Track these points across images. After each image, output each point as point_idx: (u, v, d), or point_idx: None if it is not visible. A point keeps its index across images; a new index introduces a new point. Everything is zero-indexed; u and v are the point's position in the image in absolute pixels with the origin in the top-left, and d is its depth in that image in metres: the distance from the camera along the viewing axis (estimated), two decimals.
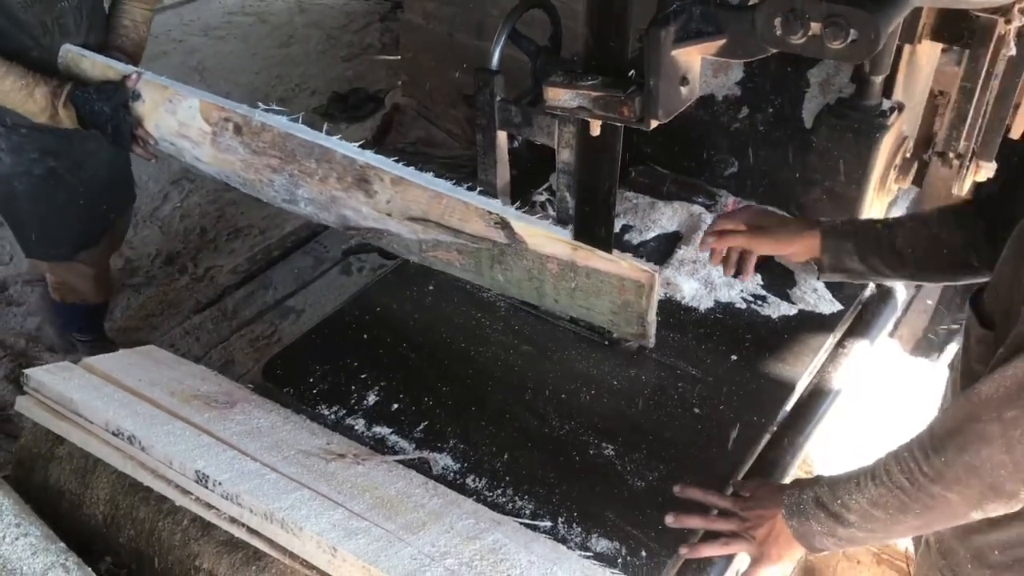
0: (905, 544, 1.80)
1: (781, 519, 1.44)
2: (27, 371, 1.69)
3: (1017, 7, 1.67)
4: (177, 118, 1.98)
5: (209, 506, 1.45)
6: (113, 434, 1.56)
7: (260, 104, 1.92)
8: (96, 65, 2.16)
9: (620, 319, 1.66)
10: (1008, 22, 1.73)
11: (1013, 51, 1.80)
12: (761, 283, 2.10)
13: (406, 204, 1.73)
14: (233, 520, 1.43)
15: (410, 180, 1.71)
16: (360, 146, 1.90)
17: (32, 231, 2.81)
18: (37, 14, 2.33)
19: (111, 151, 2.66)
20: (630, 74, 1.48)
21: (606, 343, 1.93)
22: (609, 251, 1.79)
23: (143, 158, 2.26)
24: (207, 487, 1.45)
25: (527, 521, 1.53)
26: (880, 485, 1.32)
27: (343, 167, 1.75)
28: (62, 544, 1.41)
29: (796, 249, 1.89)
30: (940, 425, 1.28)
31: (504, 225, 1.64)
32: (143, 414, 1.60)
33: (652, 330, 1.67)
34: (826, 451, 1.84)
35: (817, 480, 1.45)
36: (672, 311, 2.03)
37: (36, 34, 2.34)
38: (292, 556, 1.38)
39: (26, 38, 2.33)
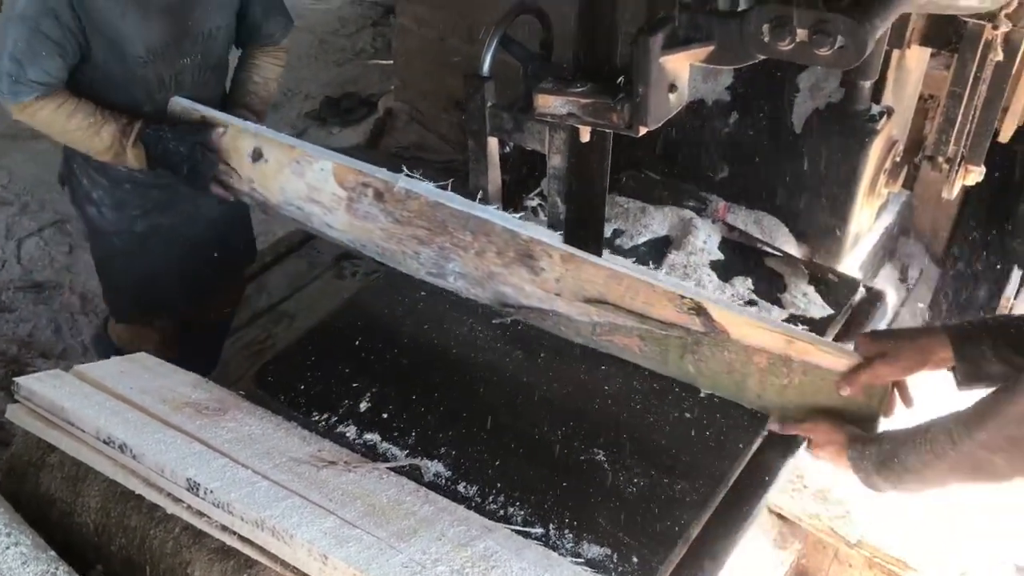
0: (898, 548, 1.81)
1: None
2: (18, 379, 1.68)
3: (1004, 13, 1.68)
4: (306, 181, 1.89)
5: (200, 514, 1.45)
6: (104, 442, 1.55)
7: (404, 168, 1.83)
8: (208, 117, 2.10)
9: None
10: (995, 28, 1.74)
11: (1000, 56, 1.81)
12: (751, 288, 2.11)
13: (579, 284, 1.61)
14: (224, 528, 1.43)
15: (584, 258, 1.58)
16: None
17: (126, 293, 2.63)
18: (156, 70, 2.23)
19: (225, 206, 2.45)
20: (619, 81, 1.49)
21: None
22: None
23: (222, 198, 2.21)
24: (198, 495, 1.44)
25: (518, 528, 1.53)
26: (933, 448, 1.41)
27: (504, 241, 1.64)
28: (53, 553, 1.41)
29: (929, 367, 1.66)
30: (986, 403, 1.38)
31: (700, 311, 1.51)
32: (134, 422, 1.60)
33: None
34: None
35: (880, 439, 1.52)
36: None
37: (151, 89, 2.25)
38: (283, 564, 1.38)
39: (140, 93, 2.24)
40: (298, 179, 1.88)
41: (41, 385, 1.67)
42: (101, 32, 2.11)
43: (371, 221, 1.80)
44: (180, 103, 2.19)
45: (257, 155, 1.96)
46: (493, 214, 1.66)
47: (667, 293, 1.51)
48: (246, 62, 2.53)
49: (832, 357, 1.44)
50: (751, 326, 1.47)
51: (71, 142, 2.23)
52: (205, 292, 2.71)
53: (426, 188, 1.71)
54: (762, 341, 1.47)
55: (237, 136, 2.05)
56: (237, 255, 2.80)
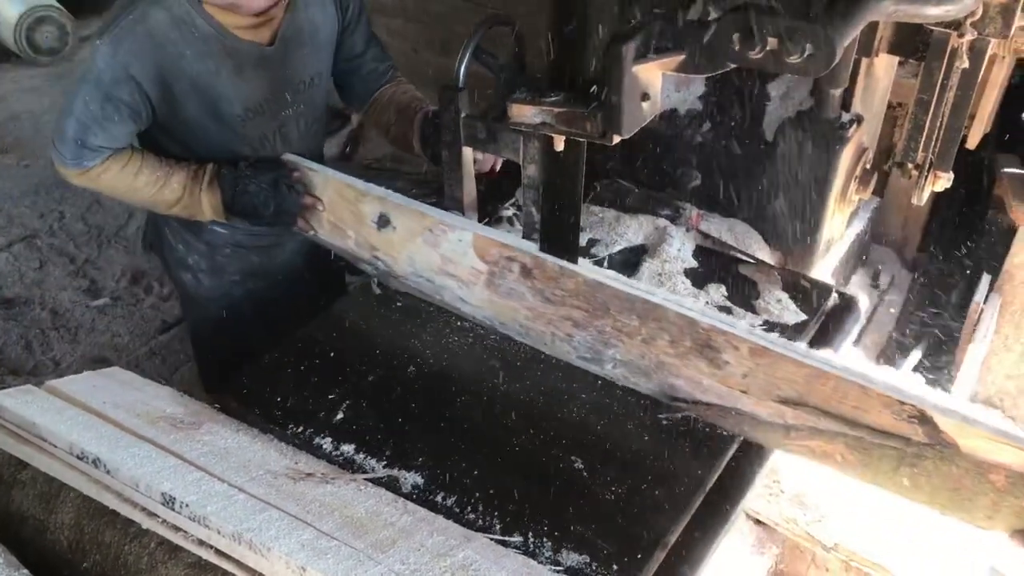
0: (875, 552, 1.82)
1: None
2: None
3: (969, 22, 1.71)
4: (440, 252, 1.78)
5: (176, 528, 1.44)
6: (78, 457, 1.54)
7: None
8: (323, 177, 2.00)
9: None
10: (961, 36, 1.76)
11: (966, 64, 1.83)
12: (725, 294, 2.12)
13: (772, 382, 1.43)
14: (201, 542, 1.42)
15: (780, 352, 1.40)
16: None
17: (218, 360, 2.49)
18: (258, 126, 2.12)
19: (319, 263, 2.37)
20: (592, 90, 1.50)
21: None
22: (575, 263, 1.80)
23: (303, 231, 2.13)
24: (174, 509, 1.43)
25: (497, 537, 1.53)
26: None
27: (679, 328, 1.49)
28: (26, 571, 1.39)
29: None
30: None
31: (924, 420, 1.31)
32: (108, 436, 1.58)
33: None
34: (792, 461, 1.85)
35: None
36: None
37: (256, 146, 2.14)
38: None
39: (245, 149, 2.13)
40: (431, 250, 1.77)
41: (12, 401, 1.65)
42: (194, 91, 2.00)
43: (516, 299, 1.66)
44: (288, 159, 2.12)
45: (383, 221, 1.85)
46: (666, 298, 1.51)
47: (883, 397, 1.31)
48: (386, 91, 2.37)
49: None
50: (987, 439, 1.28)
51: (138, 201, 2.13)
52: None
53: (585, 266, 1.58)
54: (1001, 457, 1.28)
55: (360, 199, 1.95)
56: (329, 296, 2.70)
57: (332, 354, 1.95)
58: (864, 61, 2.10)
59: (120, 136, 2.01)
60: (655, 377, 1.59)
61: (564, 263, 1.61)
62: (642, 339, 1.53)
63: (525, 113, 1.56)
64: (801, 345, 1.39)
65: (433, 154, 2.12)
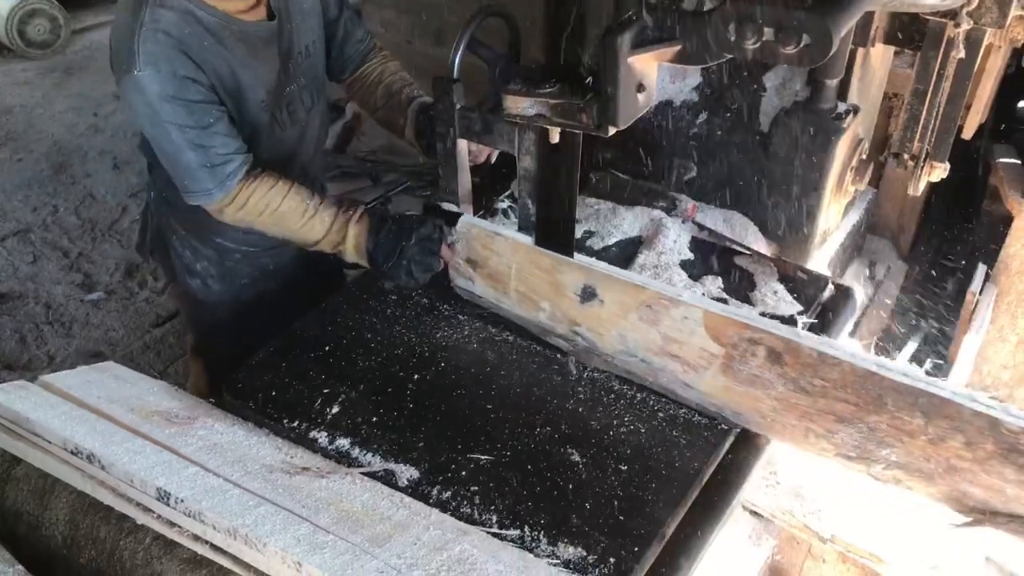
0: (871, 542, 1.83)
1: None
2: None
3: (965, 11, 1.70)
4: (661, 330, 1.59)
5: (172, 524, 1.44)
6: (72, 453, 1.53)
7: (802, 319, 1.46)
8: (510, 243, 1.85)
9: None
10: (957, 26, 1.76)
11: (962, 54, 1.83)
12: (722, 286, 2.12)
13: None
14: (196, 538, 1.41)
15: None
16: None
17: (225, 358, 2.35)
18: (270, 108, 2.07)
19: (327, 266, 2.30)
20: (588, 81, 1.49)
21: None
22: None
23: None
24: (169, 504, 1.43)
25: (494, 530, 1.53)
26: None
27: (976, 429, 1.28)
28: (20, 567, 1.39)
29: None
30: None
31: None
32: (102, 432, 1.58)
33: None
34: (789, 453, 1.85)
35: None
36: None
37: (268, 132, 2.10)
38: (257, 572, 1.37)
39: (261, 138, 2.08)
40: (649, 327, 1.57)
41: (6, 396, 1.64)
42: (221, 83, 1.94)
43: (760, 387, 1.45)
44: (466, 220, 1.99)
45: (588, 294, 1.66)
46: (955, 392, 1.29)
47: None
48: (374, 68, 2.32)
49: None
50: None
51: (287, 232, 2.04)
52: None
53: (851, 351, 1.35)
54: None
55: (558, 268, 1.76)
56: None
57: (327, 348, 1.95)
58: (860, 51, 2.10)
59: (229, 133, 1.94)
60: (942, 482, 1.39)
61: (823, 347, 1.39)
62: (928, 439, 1.32)
63: (520, 105, 1.55)
64: None
65: (427, 145, 2.10)
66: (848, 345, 1.42)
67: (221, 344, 2.45)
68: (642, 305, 1.58)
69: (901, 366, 1.40)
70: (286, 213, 1.99)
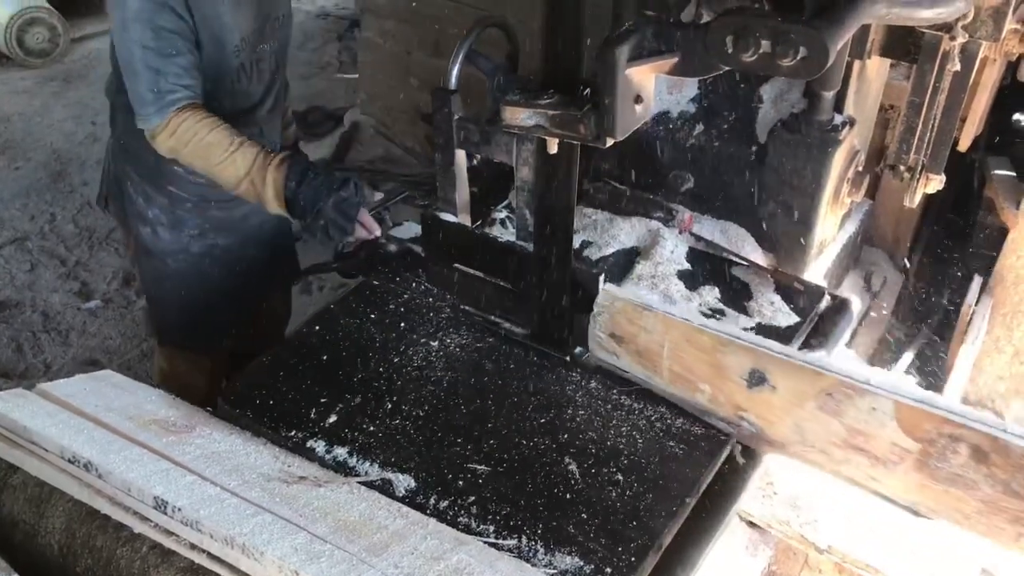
0: (867, 553, 1.83)
1: None
2: None
3: (960, 24, 1.71)
4: (845, 422, 1.43)
5: (169, 532, 1.43)
6: (69, 461, 1.53)
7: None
8: (662, 319, 1.68)
9: None
10: (952, 39, 1.77)
11: (958, 66, 1.84)
12: (718, 297, 2.12)
13: None
14: (193, 546, 1.41)
15: None
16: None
17: (175, 315, 2.54)
18: (241, 58, 2.20)
19: (276, 227, 2.45)
20: (586, 92, 1.50)
21: (567, 359, 1.94)
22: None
23: (362, 238, 2.11)
24: (166, 513, 1.42)
25: (491, 540, 1.53)
26: None
27: None
28: None
29: None
30: None
31: None
32: (100, 440, 1.58)
33: None
34: (785, 463, 1.85)
35: None
36: None
37: (234, 79, 2.21)
38: None
39: (226, 83, 2.20)
40: (830, 418, 1.43)
41: (3, 404, 1.64)
42: (207, 26, 2.06)
43: (962, 488, 1.31)
44: (612, 293, 1.79)
45: (757, 379, 1.51)
46: None
47: None
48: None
49: None
50: None
51: (211, 168, 2.08)
52: (254, 312, 2.68)
53: None
54: None
55: (721, 349, 1.60)
56: (284, 274, 2.75)
57: (324, 358, 1.95)
58: (856, 63, 2.10)
59: (187, 67, 2.04)
60: None
61: None
62: None
63: (518, 115, 1.56)
64: None
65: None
66: None
67: (169, 301, 2.50)
68: (821, 393, 1.43)
69: None
70: (212, 144, 2.04)
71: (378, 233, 2.12)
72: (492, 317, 2.03)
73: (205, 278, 2.44)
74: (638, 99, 1.46)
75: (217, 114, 2.09)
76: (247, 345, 2.70)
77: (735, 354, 1.57)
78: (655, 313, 1.69)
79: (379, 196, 2.33)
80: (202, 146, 2.04)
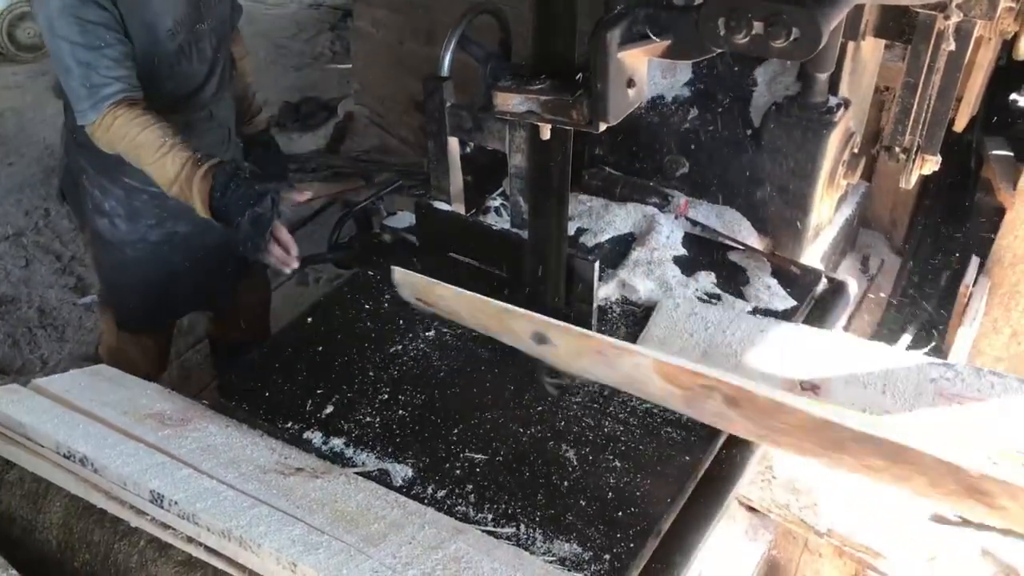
0: (867, 536, 1.83)
1: None
2: None
3: (954, 3, 1.70)
4: (620, 370, 1.61)
5: (166, 526, 1.43)
6: (65, 456, 1.53)
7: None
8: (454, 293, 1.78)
9: None
10: (947, 18, 1.76)
11: (952, 46, 1.83)
12: (715, 282, 2.11)
13: None
14: (191, 539, 1.41)
15: None
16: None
17: (135, 301, 2.55)
18: (180, 41, 2.19)
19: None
20: (578, 77, 1.49)
21: None
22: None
23: (275, 266, 2.09)
24: (163, 507, 1.42)
25: (489, 529, 1.53)
26: None
27: (938, 473, 1.30)
28: (14, 572, 1.38)
29: None
30: None
31: None
32: (95, 435, 1.57)
33: None
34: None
35: None
36: (628, 312, 2.04)
37: (172, 62, 2.20)
38: (252, 574, 1.36)
39: (164, 67, 2.19)
40: (608, 368, 1.60)
41: None
42: (135, 13, 2.06)
43: (726, 421, 1.49)
44: (398, 272, 1.87)
45: (540, 339, 1.66)
46: (920, 440, 1.30)
47: None
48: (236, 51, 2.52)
49: None
50: None
51: (139, 161, 2.08)
52: (209, 295, 2.68)
53: (805, 401, 1.38)
54: None
55: (507, 318, 1.76)
56: (237, 261, 2.69)
57: (320, 348, 1.94)
58: (850, 45, 2.09)
59: (118, 58, 2.03)
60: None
61: (778, 396, 1.41)
62: (892, 476, 1.35)
63: (510, 101, 1.54)
64: None
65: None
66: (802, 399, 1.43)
67: (128, 288, 2.52)
68: (593, 351, 1.61)
69: (858, 416, 1.39)
70: (142, 145, 2.03)
71: (293, 254, 2.07)
72: None
73: (165, 264, 2.45)
74: (631, 83, 1.45)
75: (162, 99, 2.11)
76: (230, 333, 2.71)
77: (517, 320, 1.72)
78: (443, 287, 1.82)
79: (306, 205, 2.29)
80: (133, 146, 2.05)
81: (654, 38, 1.40)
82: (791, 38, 1.23)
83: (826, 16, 1.23)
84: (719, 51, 1.35)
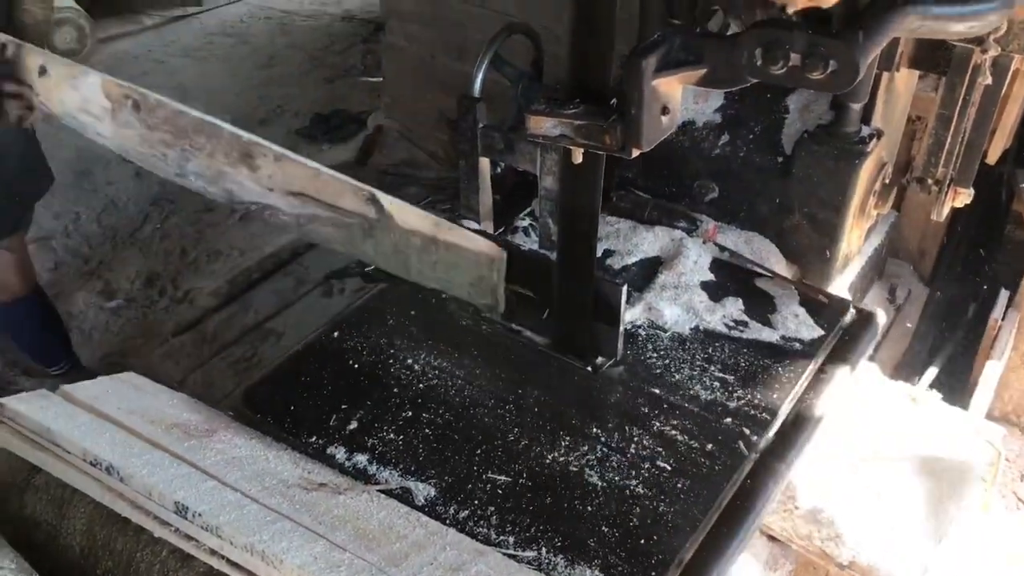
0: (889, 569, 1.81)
1: None
2: (2, 400, 1.66)
3: (992, 38, 1.69)
4: (81, 94, 2.02)
5: (188, 537, 1.43)
6: (91, 464, 1.54)
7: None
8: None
9: (475, 291, 1.79)
10: (984, 52, 1.75)
11: (989, 80, 1.82)
12: (742, 308, 2.10)
13: (286, 179, 1.81)
14: (213, 552, 1.41)
15: (291, 158, 1.81)
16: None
17: None
18: None
19: (15, 138, 2.62)
20: (612, 102, 1.49)
21: (589, 369, 1.93)
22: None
23: (22, 119, 2.16)
24: (186, 518, 1.43)
25: (511, 552, 1.52)
26: None
27: (229, 143, 1.83)
28: None
29: None
30: None
31: (373, 200, 1.75)
32: (121, 443, 1.58)
33: (502, 303, 1.80)
34: (809, 478, 1.84)
35: None
36: (654, 336, 2.03)
37: None
38: None
39: None
40: (75, 92, 2.00)
41: (26, 406, 1.65)
42: None
43: (130, 128, 1.94)
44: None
45: (42, 71, 2.03)
46: (222, 123, 1.85)
47: (351, 186, 1.76)
48: None
49: (464, 238, 1.73)
50: (408, 212, 1.74)
51: None
52: (19, 213, 2.88)
53: (172, 101, 1.89)
54: (417, 225, 1.73)
55: (29, 55, 2.09)
56: (37, 179, 2.97)
57: (346, 363, 1.95)
58: (885, 75, 2.09)
59: None
60: (219, 184, 1.88)
61: (164, 99, 1.89)
62: (207, 153, 1.84)
63: (543, 125, 1.55)
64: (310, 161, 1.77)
65: None
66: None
67: None
68: (71, 76, 1.97)
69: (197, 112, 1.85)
70: None
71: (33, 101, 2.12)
72: (513, 326, 2.02)
73: None
74: (665, 110, 1.45)
75: None
76: None
77: (36, 57, 2.05)
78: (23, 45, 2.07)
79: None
80: None
81: (689, 66, 1.40)
82: (828, 71, 1.23)
83: (864, 50, 1.23)
84: (754, 81, 1.35)
